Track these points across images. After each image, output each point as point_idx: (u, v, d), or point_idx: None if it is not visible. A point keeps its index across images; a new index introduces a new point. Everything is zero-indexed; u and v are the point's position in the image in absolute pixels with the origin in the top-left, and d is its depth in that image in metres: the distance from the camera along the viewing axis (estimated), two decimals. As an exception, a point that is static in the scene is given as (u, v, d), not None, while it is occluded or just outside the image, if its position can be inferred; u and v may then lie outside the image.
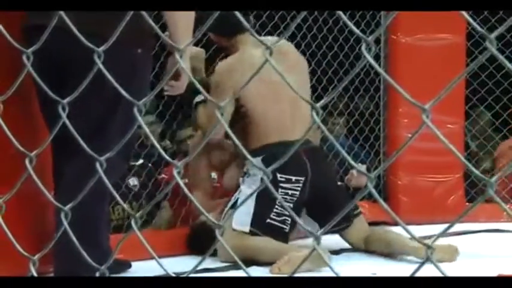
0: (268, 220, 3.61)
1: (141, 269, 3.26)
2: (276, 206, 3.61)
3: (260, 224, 3.59)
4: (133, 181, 4.50)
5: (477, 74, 5.13)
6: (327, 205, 3.62)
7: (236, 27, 3.74)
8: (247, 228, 3.57)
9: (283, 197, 3.58)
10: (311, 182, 3.67)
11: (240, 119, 3.76)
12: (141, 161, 4.53)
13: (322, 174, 3.74)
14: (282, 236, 3.61)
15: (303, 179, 3.66)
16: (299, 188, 3.65)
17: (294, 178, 3.64)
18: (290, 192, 3.62)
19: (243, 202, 3.66)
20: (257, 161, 3.60)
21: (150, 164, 4.55)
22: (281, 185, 3.59)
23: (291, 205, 3.60)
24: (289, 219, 3.65)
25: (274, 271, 3.26)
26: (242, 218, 3.56)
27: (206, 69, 3.97)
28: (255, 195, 3.58)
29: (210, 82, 3.79)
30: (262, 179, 3.66)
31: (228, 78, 3.67)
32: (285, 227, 3.64)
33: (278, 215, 3.62)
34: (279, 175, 3.57)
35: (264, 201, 3.48)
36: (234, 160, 4.02)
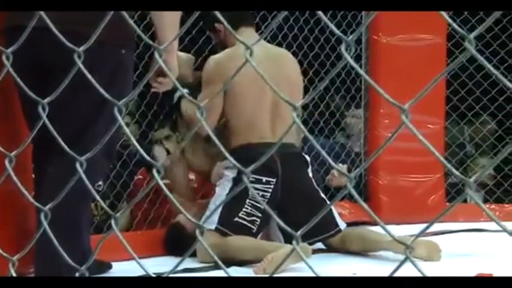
0: (236, 219, 3.60)
1: (121, 269, 3.26)
2: (246, 206, 3.61)
3: (227, 222, 3.58)
4: None
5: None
6: (301, 207, 3.57)
7: (242, 20, 3.76)
8: (213, 226, 3.55)
9: (253, 198, 3.57)
10: (282, 184, 3.66)
11: (220, 118, 3.76)
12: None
13: (295, 176, 3.72)
14: (249, 235, 3.60)
15: (274, 180, 3.65)
16: (270, 189, 3.64)
17: (264, 179, 3.63)
18: (261, 193, 3.60)
19: (222, 203, 3.61)
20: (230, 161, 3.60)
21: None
22: (251, 185, 3.56)
23: (262, 206, 3.59)
24: (259, 220, 3.65)
25: (259, 272, 3.24)
26: (211, 216, 3.55)
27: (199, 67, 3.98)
28: (224, 193, 3.59)
29: (199, 76, 3.80)
30: (234, 179, 3.64)
31: (217, 74, 3.67)
32: (253, 227, 3.63)
33: (248, 214, 3.62)
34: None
35: (233, 200, 3.39)
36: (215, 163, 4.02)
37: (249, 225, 3.62)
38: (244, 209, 3.61)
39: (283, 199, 3.65)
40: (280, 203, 3.61)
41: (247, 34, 3.76)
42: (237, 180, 3.61)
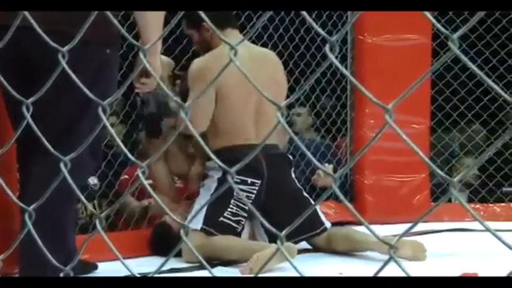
0: (221, 218, 3.61)
1: (107, 269, 3.25)
2: (231, 206, 3.62)
3: (212, 222, 3.59)
4: (93, 180, 4.45)
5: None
6: (285, 208, 3.54)
7: (227, 20, 3.74)
8: (198, 226, 3.56)
9: (238, 198, 3.58)
10: (267, 185, 3.67)
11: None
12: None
13: (279, 177, 3.73)
14: (234, 235, 3.62)
15: (259, 181, 3.66)
16: (255, 191, 3.65)
17: (249, 180, 3.64)
18: (245, 194, 3.61)
19: (206, 203, 3.61)
20: (215, 162, 3.61)
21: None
22: (236, 186, 3.55)
23: (246, 207, 3.61)
24: (244, 220, 3.66)
25: (245, 272, 3.24)
26: (196, 216, 3.56)
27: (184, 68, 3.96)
28: (209, 194, 3.60)
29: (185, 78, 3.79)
30: (218, 180, 3.62)
31: (203, 75, 3.63)
32: (238, 226, 3.65)
33: (233, 214, 3.63)
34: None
35: (218, 200, 3.41)
36: (194, 164, 4.00)
37: (234, 225, 3.63)
38: (229, 209, 3.62)
39: (267, 200, 3.65)
40: (264, 203, 3.62)
41: (234, 35, 3.76)
42: (222, 181, 3.62)
